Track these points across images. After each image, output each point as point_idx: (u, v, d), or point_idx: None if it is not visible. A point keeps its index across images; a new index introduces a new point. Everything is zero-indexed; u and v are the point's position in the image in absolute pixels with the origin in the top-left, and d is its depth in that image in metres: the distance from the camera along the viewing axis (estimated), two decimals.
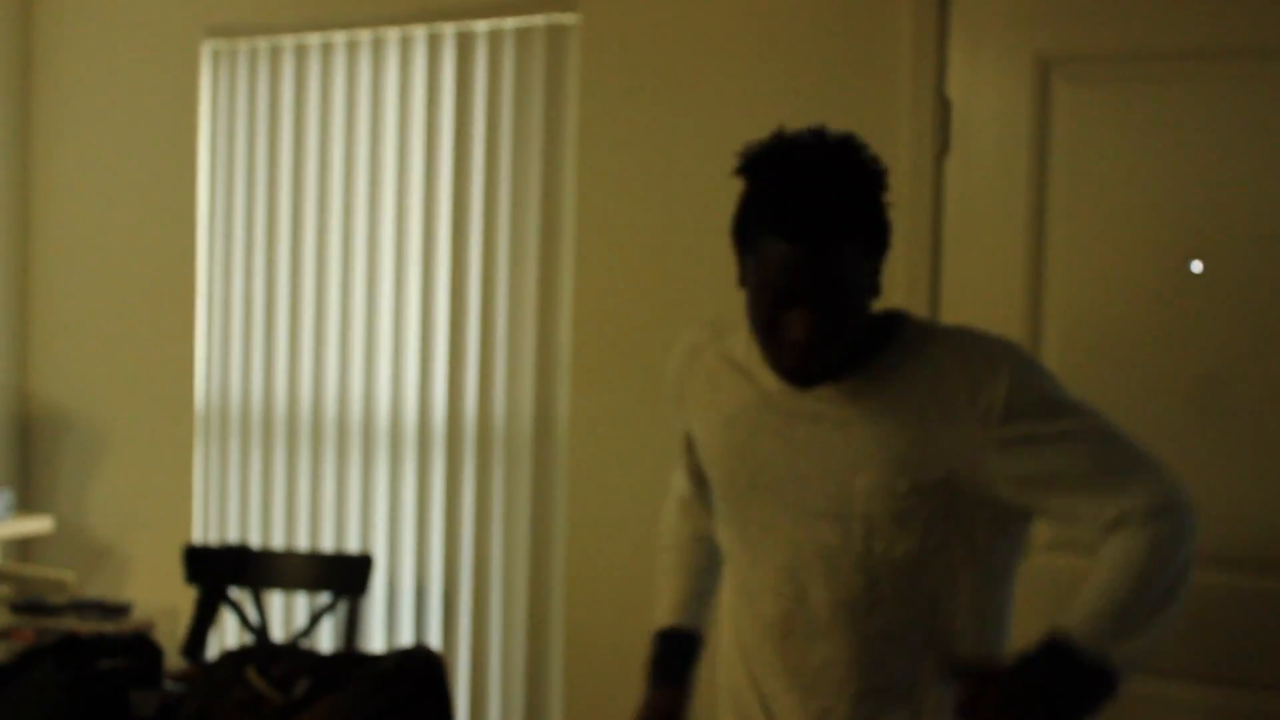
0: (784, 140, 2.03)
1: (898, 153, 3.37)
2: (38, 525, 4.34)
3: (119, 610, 2.99)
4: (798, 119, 3.46)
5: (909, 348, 2.07)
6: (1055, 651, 1.88)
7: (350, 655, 2.72)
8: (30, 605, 2.91)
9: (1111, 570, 1.93)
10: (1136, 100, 3.19)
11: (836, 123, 3.39)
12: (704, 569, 2.43)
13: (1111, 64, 3.22)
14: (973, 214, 3.33)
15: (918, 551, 2.02)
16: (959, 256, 3.34)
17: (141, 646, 2.78)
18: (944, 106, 3.35)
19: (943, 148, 3.35)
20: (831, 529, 2.05)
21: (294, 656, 2.69)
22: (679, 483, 2.48)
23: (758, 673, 2.19)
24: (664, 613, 2.40)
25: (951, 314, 3.34)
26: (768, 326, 2.01)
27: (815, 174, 1.96)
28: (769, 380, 2.13)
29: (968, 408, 1.99)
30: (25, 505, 4.61)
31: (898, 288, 3.36)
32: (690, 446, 2.37)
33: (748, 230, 2.02)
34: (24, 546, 4.61)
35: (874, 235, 2.00)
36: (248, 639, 3.86)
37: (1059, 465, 1.98)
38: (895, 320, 2.12)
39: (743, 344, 2.21)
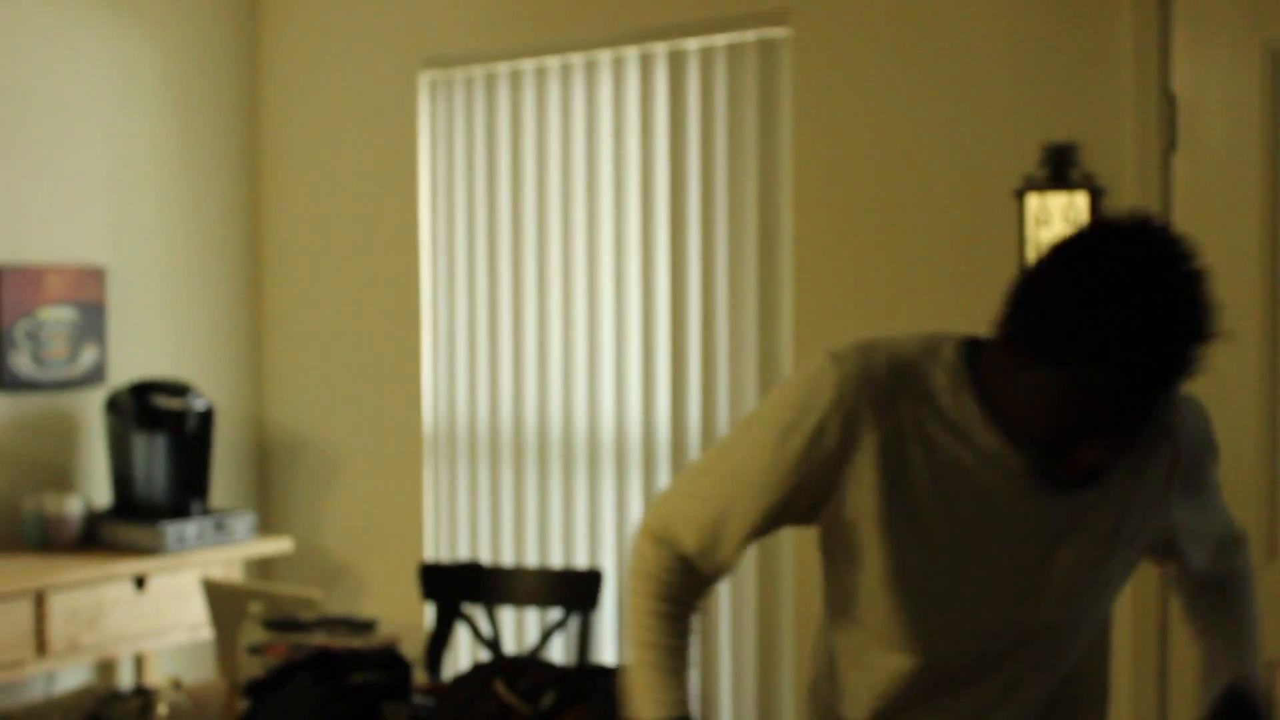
0: (1146, 268, 1.70)
1: (1124, 151, 3.32)
2: (278, 546, 4.51)
3: (366, 626, 3.08)
4: (1017, 121, 3.45)
5: None
6: (1246, 701, 1.98)
7: (594, 668, 2.77)
8: (282, 623, 3.01)
9: (1243, 613, 2.05)
10: None
11: (1059, 123, 3.38)
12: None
13: None
14: (1204, 211, 3.25)
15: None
16: None
17: (391, 661, 2.86)
18: (1170, 102, 3.28)
19: (1170, 144, 3.27)
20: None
21: (539, 669, 2.74)
22: (713, 544, 1.88)
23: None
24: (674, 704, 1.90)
25: None
26: (1054, 441, 1.71)
27: (1185, 313, 1.72)
28: (989, 439, 1.77)
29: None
30: (265, 527, 4.80)
31: None
32: (774, 517, 1.85)
33: (1065, 343, 1.62)
34: (265, 566, 4.79)
35: None
36: (482, 654, 3.95)
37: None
38: None
39: (949, 387, 1.79)
